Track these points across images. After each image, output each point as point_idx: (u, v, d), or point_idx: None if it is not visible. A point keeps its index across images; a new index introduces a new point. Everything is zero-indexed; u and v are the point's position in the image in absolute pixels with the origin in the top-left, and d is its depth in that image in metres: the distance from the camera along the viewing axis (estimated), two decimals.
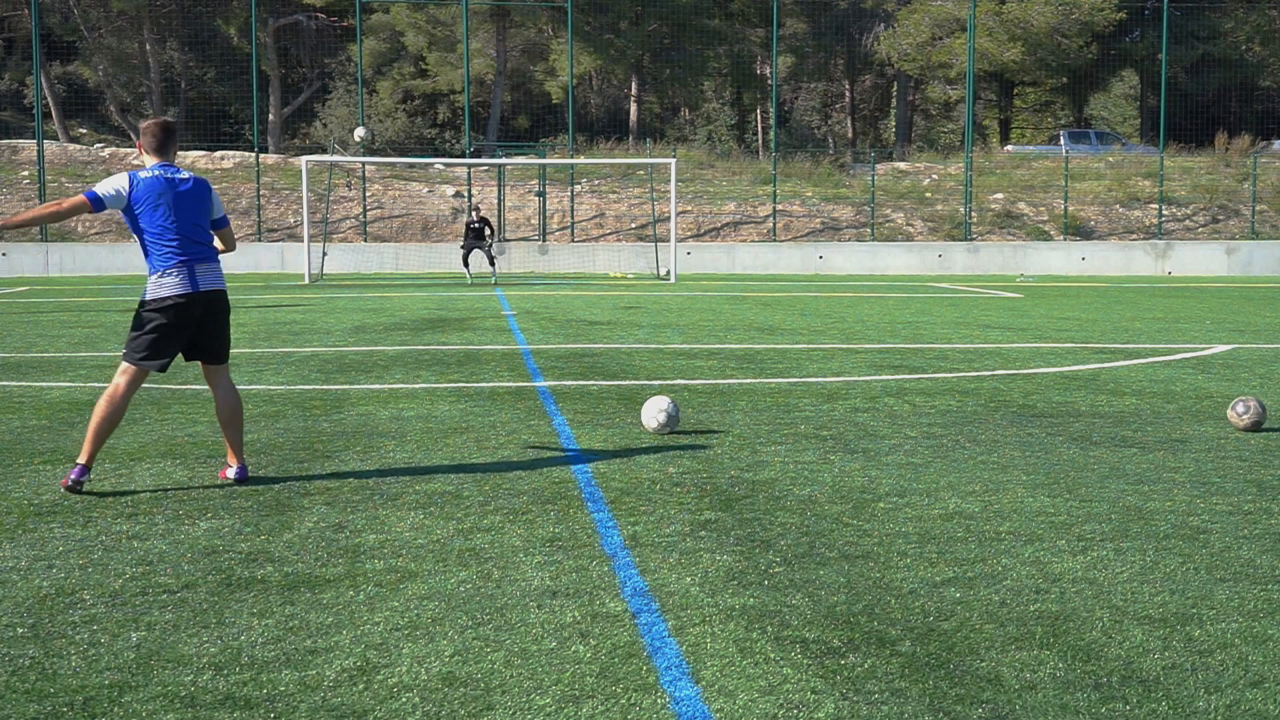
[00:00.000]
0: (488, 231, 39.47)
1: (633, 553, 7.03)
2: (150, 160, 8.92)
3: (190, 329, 8.87)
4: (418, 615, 5.95)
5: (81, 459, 8.57)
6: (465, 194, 51.31)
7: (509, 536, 7.40)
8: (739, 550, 7.10)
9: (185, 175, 8.96)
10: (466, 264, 39.73)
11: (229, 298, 9.15)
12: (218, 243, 9.18)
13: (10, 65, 69.57)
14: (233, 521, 7.77)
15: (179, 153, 54.52)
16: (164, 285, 8.69)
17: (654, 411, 11.05)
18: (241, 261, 45.80)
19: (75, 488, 8.50)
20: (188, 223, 8.82)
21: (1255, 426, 11.16)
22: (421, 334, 20.65)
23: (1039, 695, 5.02)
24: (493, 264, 39.55)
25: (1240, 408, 11.27)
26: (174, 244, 8.76)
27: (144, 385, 14.08)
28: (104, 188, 8.73)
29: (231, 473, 8.98)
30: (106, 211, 9.31)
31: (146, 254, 8.80)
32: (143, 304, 8.80)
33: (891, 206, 52.95)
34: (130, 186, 8.74)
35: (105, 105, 69.46)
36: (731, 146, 67.23)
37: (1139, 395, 13.51)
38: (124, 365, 8.78)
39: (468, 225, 40.01)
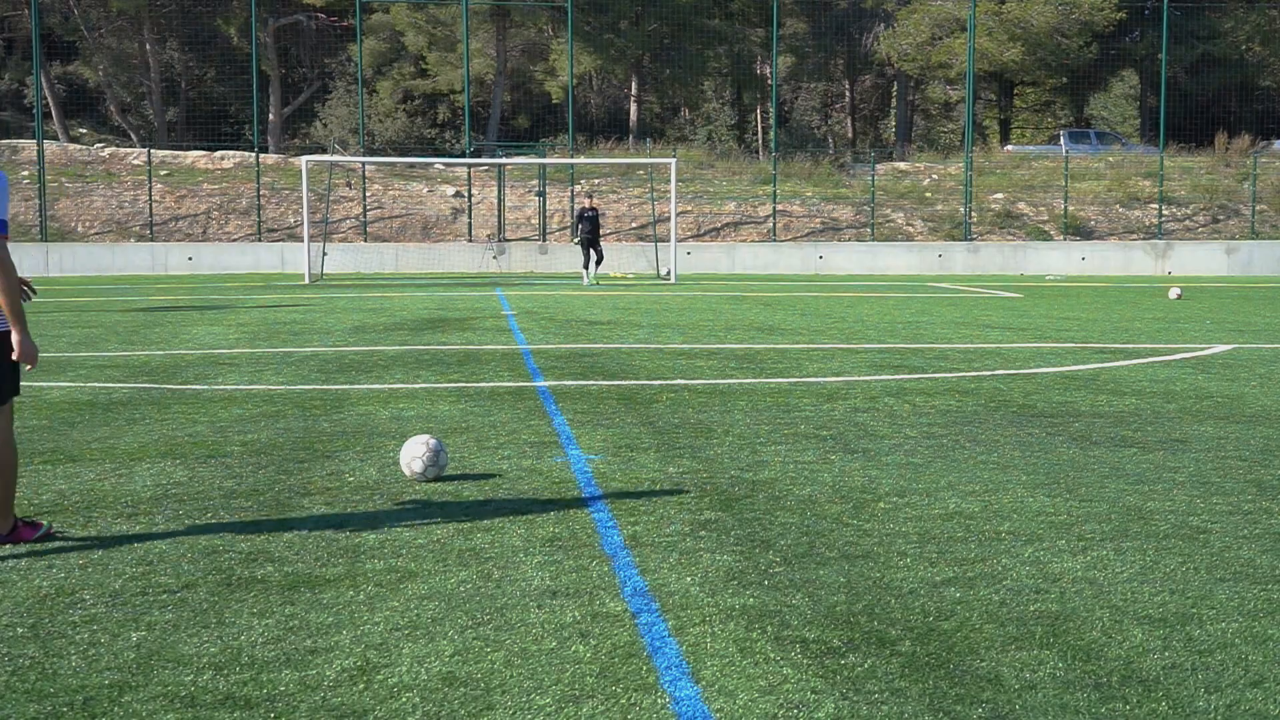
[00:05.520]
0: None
1: (633, 553, 7.03)
2: None
3: None
4: (418, 615, 5.95)
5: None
6: (465, 194, 51.28)
7: (509, 536, 7.40)
8: (739, 550, 7.09)
9: None
10: (588, 264, 38.04)
11: None
12: None
13: (10, 65, 69.53)
14: (233, 521, 7.76)
15: (179, 151, 54.53)
16: None
17: (411, 455, 9.10)
18: (242, 261, 45.93)
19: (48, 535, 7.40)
20: None
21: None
22: (421, 334, 20.65)
23: (1039, 695, 5.02)
24: (599, 261, 38.35)
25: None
26: None
27: (143, 385, 14.10)
28: None
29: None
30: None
31: None
32: None
33: (891, 206, 52.95)
34: None
35: (105, 105, 69.47)
36: (731, 146, 67.25)
37: (1139, 395, 13.50)
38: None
39: (582, 215, 38.35)
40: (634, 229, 50.56)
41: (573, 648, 5.51)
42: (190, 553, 7.05)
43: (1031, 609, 6.05)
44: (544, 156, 52.69)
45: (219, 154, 54.67)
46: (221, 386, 14.11)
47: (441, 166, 54.30)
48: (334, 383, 14.45)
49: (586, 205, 38.68)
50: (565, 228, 50.75)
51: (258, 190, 49.51)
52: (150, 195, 49.07)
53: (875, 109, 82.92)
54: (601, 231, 38.89)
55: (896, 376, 15.17)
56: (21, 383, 7.66)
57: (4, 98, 69.40)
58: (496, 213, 50.53)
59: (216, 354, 17.55)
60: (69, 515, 7.90)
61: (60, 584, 6.46)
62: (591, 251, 38.09)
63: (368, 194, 51.26)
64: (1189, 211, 53.07)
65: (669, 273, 40.70)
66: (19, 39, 68.01)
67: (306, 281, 38.77)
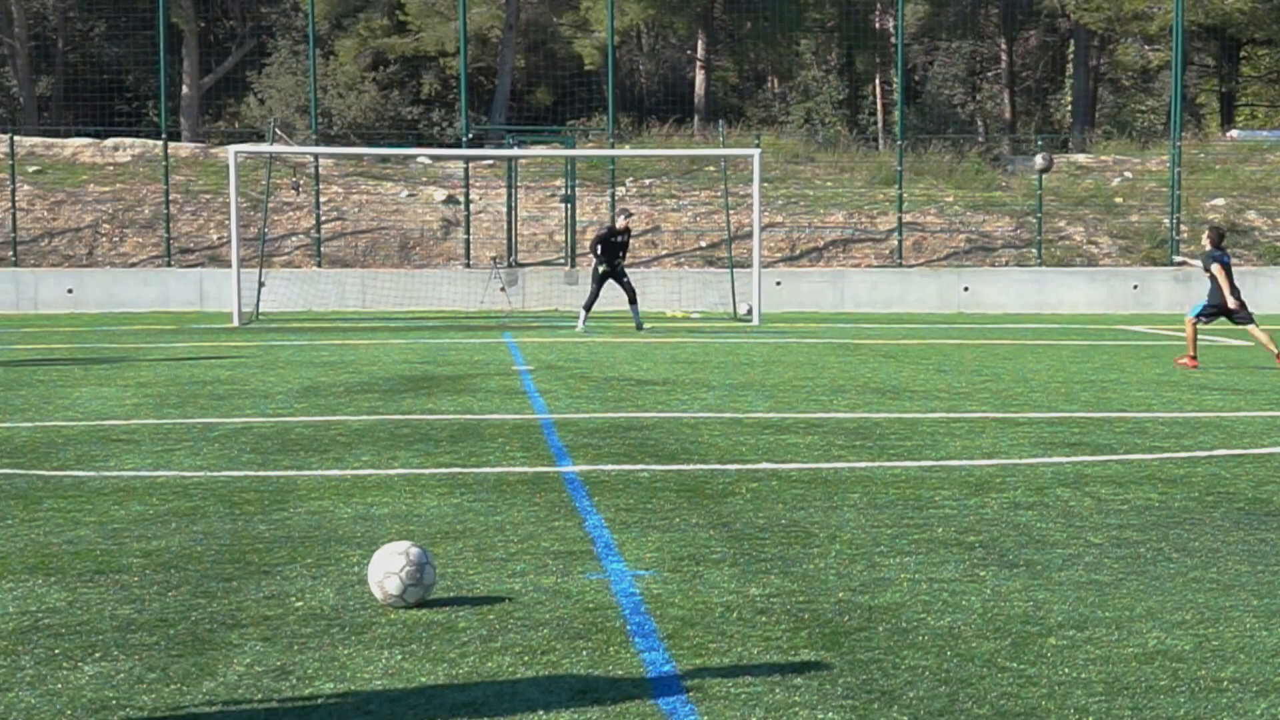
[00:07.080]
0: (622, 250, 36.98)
1: (700, 709, 7.04)
2: None
3: None
4: None
5: None
6: (461, 199, 51.39)
7: (523, 688, 7.41)
8: (850, 705, 7.10)
9: None
10: (592, 304, 37.02)
11: None
12: None
13: None
14: (131, 665, 7.79)
15: (53, 140, 54.76)
16: None
17: (384, 570, 9.10)
18: (144, 295, 45.98)
19: None
20: None
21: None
22: (399, 397, 20.74)
23: None
24: (634, 301, 36.79)
25: None
26: None
27: (6, 472, 14.20)
28: None
29: None
30: None
31: None
32: None
33: (1066, 216, 52.93)
34: None
35: None
36: (839, 131, 67.29)
37: None
38: None
39: (606, 240, 36.75)
40: (701, 249, 50.65)
41: None
42: (70, 709, 7.08)
43: None
44: (573, 146, 52.88)
45: (110, 142, 54.96)
46: (115, 473, 14.19)
47: (427, 160, 54.55)
48: (274, 467, 14.52)
49: (620, 225, 37.60)
50: None
51: (166, 194, 49.70)
52: (13, 200, 49.26)
53: (1043, 79, 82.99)
54: (653, 254, 38.01)
55: (1074, 459, 15.17)
56: None
57: None
58: (505, 226, 50.63)
59: (108, 426, 17.66)
60: None
61: None
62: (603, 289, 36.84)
63: (323, 200, 51.46)
64: None
65: (750, 311, 40.75)
66: None
67: (236, 324, 38.96)
